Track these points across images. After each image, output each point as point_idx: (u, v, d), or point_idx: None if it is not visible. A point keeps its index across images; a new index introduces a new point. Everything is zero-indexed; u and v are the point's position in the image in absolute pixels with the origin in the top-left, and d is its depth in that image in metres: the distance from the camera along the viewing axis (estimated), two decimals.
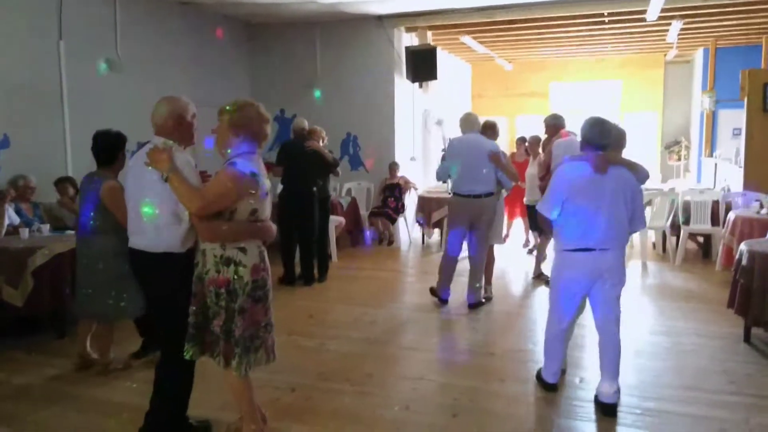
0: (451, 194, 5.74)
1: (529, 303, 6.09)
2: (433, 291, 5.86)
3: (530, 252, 8.16)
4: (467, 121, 5.80)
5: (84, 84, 6.69)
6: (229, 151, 2.88)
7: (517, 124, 13.46)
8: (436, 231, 9.06)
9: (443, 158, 5.81)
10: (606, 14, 8.37)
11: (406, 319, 5.47)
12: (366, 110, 9.27)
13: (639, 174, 3.53)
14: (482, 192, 5.56)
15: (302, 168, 6.49)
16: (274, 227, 2.98)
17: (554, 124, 6.32)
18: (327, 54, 9.36)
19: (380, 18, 8.92)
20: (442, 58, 10.09)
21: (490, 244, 5.90)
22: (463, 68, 13.16)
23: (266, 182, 2.93)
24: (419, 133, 10.21)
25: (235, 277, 2.81)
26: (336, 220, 7.83)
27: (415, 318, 5.50)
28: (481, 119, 5.97)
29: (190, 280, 2.91)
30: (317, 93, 9.36)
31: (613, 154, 3.60)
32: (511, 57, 12.53)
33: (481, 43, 10.36)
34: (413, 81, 9.28)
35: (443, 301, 5.78)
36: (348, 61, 9.29)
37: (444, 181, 5.89)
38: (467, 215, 5.60)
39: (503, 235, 6.76)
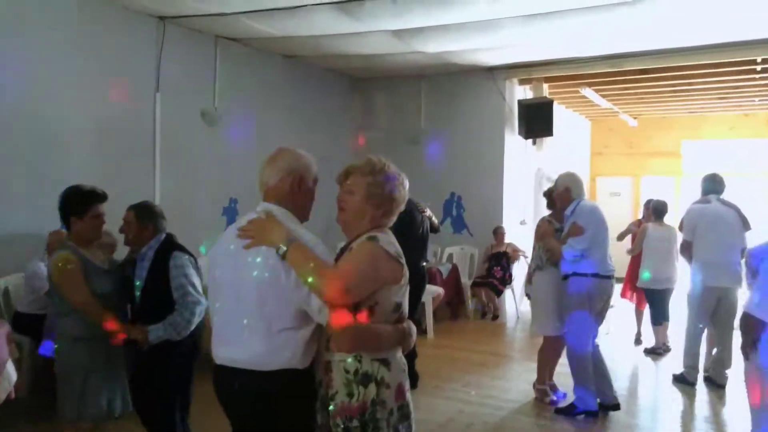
0: (582, 274, 4.47)
1: (658, 416, 4.91)
2: (565, 409, 4.62)
3: (652, 352, 6.54)
4: (581, 183, 4.81)
5: (178, 136, 6.45)
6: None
7: (642, 186, 12.10)
8: None
9: (573, 230, 4.49)
10: (759, 61, 7.14)
11: (511, 426, 4.46)
12: (473, 168, 8.49)
13: None
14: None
15: (420, 240, 5.02)
16: (415, 329, 2.18)
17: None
18: (432, 108, 8.76)
19: (491, 69, 8.21)
20: (558, 112, 9.18)
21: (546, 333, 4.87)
22: (582, 124, 12.11)
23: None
24: (531, 195, 9.25)
25: (376, 401, 1.99)
26: (434, 291, 6.99)
27: (525, 426, 4.48)
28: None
29: (310, 410, 2.10)
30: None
31: None
32: (637, 112, 11.34)
33: (603, 96, 9.35)
34: (526, 137, 8.43)
35: (594, 414, 4.52)
36: (454, 116, 8.61)
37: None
38: (604, 301, 4.59)
39: None
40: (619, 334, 7.21)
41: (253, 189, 2.27)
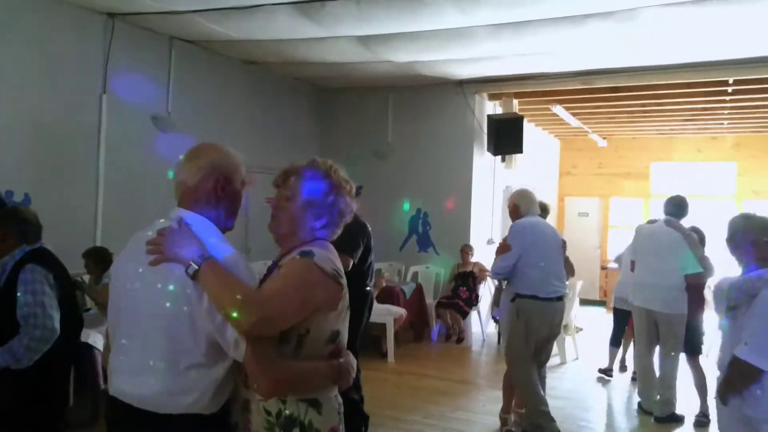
0: (522, 296, 4.25)
1: None
2: None
3: (603, 373, 6.30)
4: (532, 200, 4.55)
5: (125, 142, 6.00)
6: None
7: (611, 207, 12.00)
8: None
9: (501, 248, 4.38)
10: (731, 82, 7.04)
11: None
12: (440, 184, 8.21)
13: None
14: (564, 292, 4.42)
15: (371, 257, 4.42)
16: (355, 362, 1.83)
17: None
18: (399, 121, 8.46)
19: (461, 83, 7.97)
20: (528, 130, 9.00)
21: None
22: (551, 143, 11.97)
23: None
24: (499, 213, 9.00)
25: None
26: (395, 312, 6.64)
27: None
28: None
29: None
30: (406, 206, 8.39)
31: None
32: (607, 132, 11.24)
33: (573, 114, 9.20)
34: (495, 154, 8.19)
35: None
36: (422, 130, 8.33)
37: (501, 280, 4.58)
38: (548, 325, 4.32)
39: None
40: (591, 360, 6.93)
41: None
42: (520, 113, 8.28)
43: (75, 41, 5.56)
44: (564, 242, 4.54)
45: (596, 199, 12.09)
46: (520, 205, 4.46)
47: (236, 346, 1.64)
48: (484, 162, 8.37)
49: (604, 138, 11.51)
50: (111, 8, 5.61)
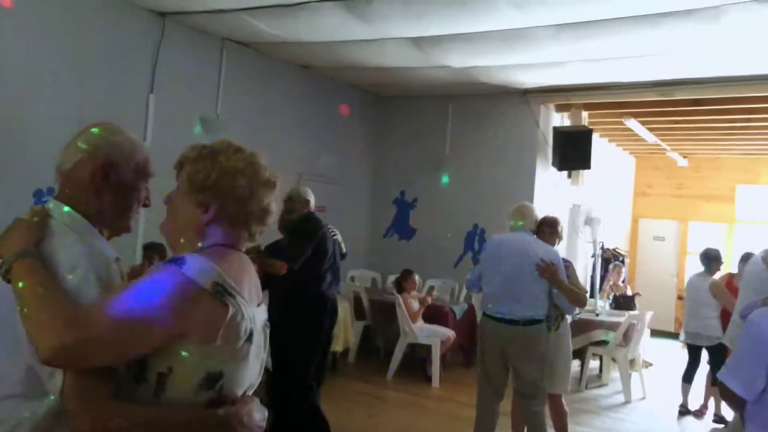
0: (482, 313, 4.16)
1: None
2: None
3: (719, 421, 5.58)
4: (521, 214, 4.26)
5: (171, 143, 5.85)
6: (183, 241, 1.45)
7: (690, 232, 11.07)
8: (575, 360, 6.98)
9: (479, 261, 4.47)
10: None
11: None
12: (499, 199, 7.66)
13: None
14: (522, 317, 3.83)
15: (330, 269, 4.09)
16: (259, 418, 1.37)
17: None
18: (459, 131, 8.05)
19: (524, 92, 7.48)
20: (599, 145, 8.38)
21: (551, 392, 4.13)
22: (625, 160, 11.20)
23: (258, 312, 1.40)
24: (564, 233, 8.38)
25: None
26: (443, 333, 6.20)
27: None
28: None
29: None
30: (445, 179, 7.99)
31: None
32: (688, 150, 10.38)
33: (650, 129, 8.49)
34: (560, 169, 7.63)
35: None
36: (482, 141, 7.88)
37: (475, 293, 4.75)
38: (498, 348, 3.90)
39: None
40: (660, 399, 6.23)
41: None
42: (589, 126, 7.70)
43: (123, 39, 5.49)
44: (547, 263, 3.87)
45: (674, 222, 11.19)
46: (508, 219, 4.39)
47: (51, 377, 1.28)
48: (548, 177, 7.82)
49: (685, 156, 10.63)
50: (162, 7, 5.54)
